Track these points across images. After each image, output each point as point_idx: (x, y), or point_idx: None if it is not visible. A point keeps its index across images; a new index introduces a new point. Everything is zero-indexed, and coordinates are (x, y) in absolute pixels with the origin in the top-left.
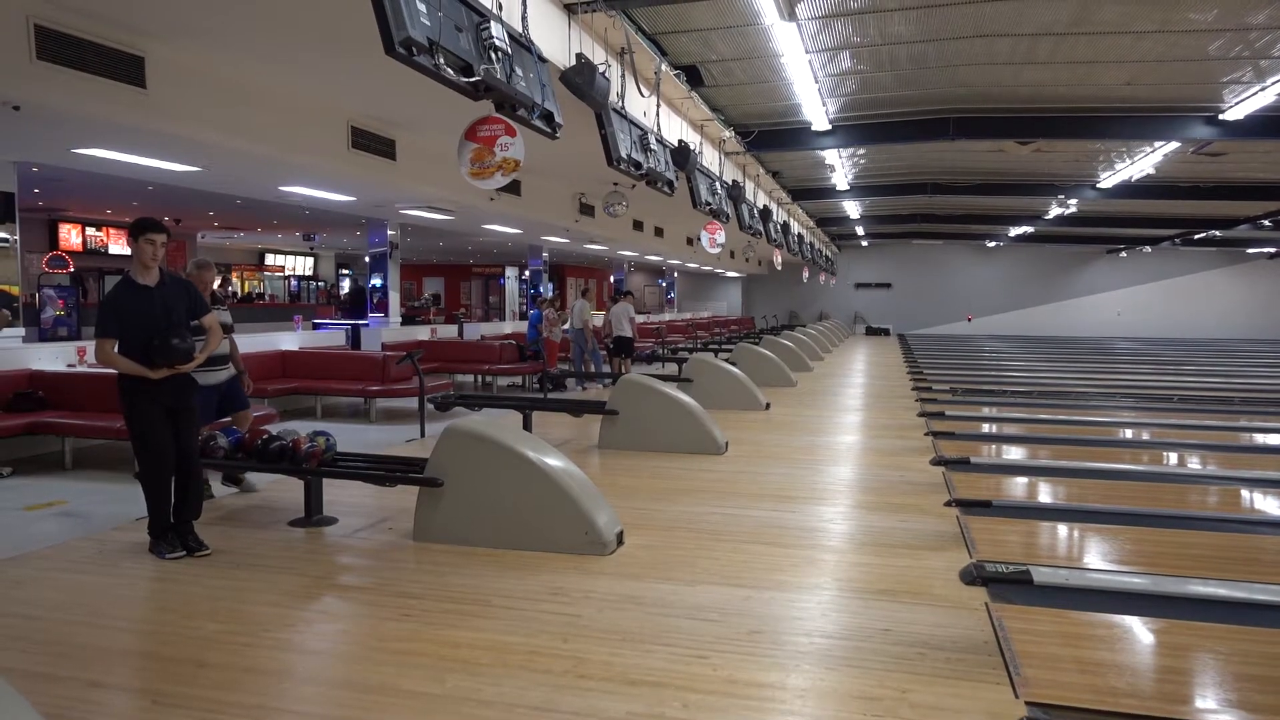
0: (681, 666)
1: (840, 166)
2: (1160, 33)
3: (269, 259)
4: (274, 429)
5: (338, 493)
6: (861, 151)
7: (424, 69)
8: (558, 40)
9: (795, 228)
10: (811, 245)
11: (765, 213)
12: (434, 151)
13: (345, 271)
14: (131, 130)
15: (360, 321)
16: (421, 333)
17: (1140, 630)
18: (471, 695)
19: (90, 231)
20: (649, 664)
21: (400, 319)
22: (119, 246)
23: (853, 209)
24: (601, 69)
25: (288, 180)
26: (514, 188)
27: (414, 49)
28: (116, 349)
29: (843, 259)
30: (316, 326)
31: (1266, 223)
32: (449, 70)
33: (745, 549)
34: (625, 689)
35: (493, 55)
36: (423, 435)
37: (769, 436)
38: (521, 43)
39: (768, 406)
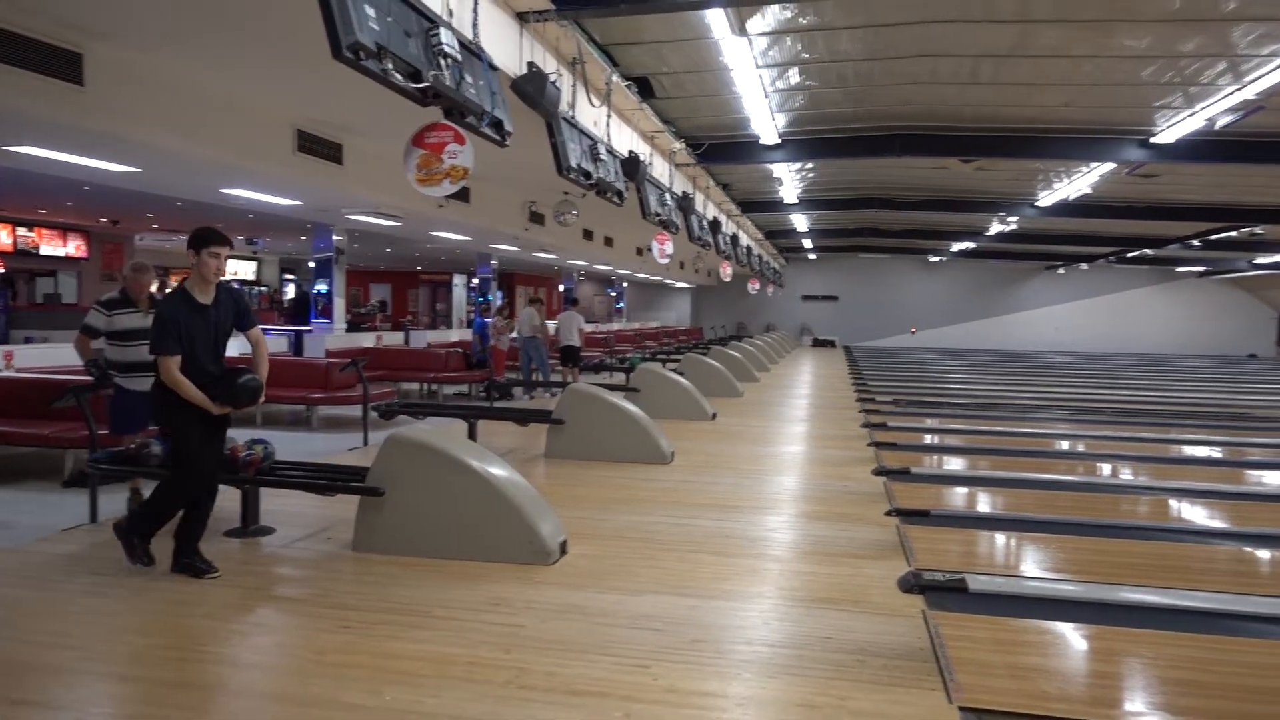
0: (624, 676)
1: (789, 180)
2: (1097, 58)
3: None
4: None
5: (276, 502)
6: (810, 166)
7: (372, 74)
8: (509, 48)
9: (744, 239)
10: (760, 257)
11: (714, 224)
12: (382, 157)
13: (289, 276)
14: (67, 128)
15: (304, 328)
16: (367, 340)
17: (1072, 636)
18: (411, 708)
19: (21, 231)
20: (592, 674)
21: (345, 325)
22: (51, 247)
23: (801, 222)
24: (552, 78)
25: (230, 183)
26: (463, 195)
27: (362, 53)
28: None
29: (790, 271)
30: None
31: (1195, 242)
32: (397, 76)
33: (690, 558)
34: (567, 699)
35: (442, 62)
36: (365, 444)
37: (715, 446)
38: (472, 50)
39: (714, 416)
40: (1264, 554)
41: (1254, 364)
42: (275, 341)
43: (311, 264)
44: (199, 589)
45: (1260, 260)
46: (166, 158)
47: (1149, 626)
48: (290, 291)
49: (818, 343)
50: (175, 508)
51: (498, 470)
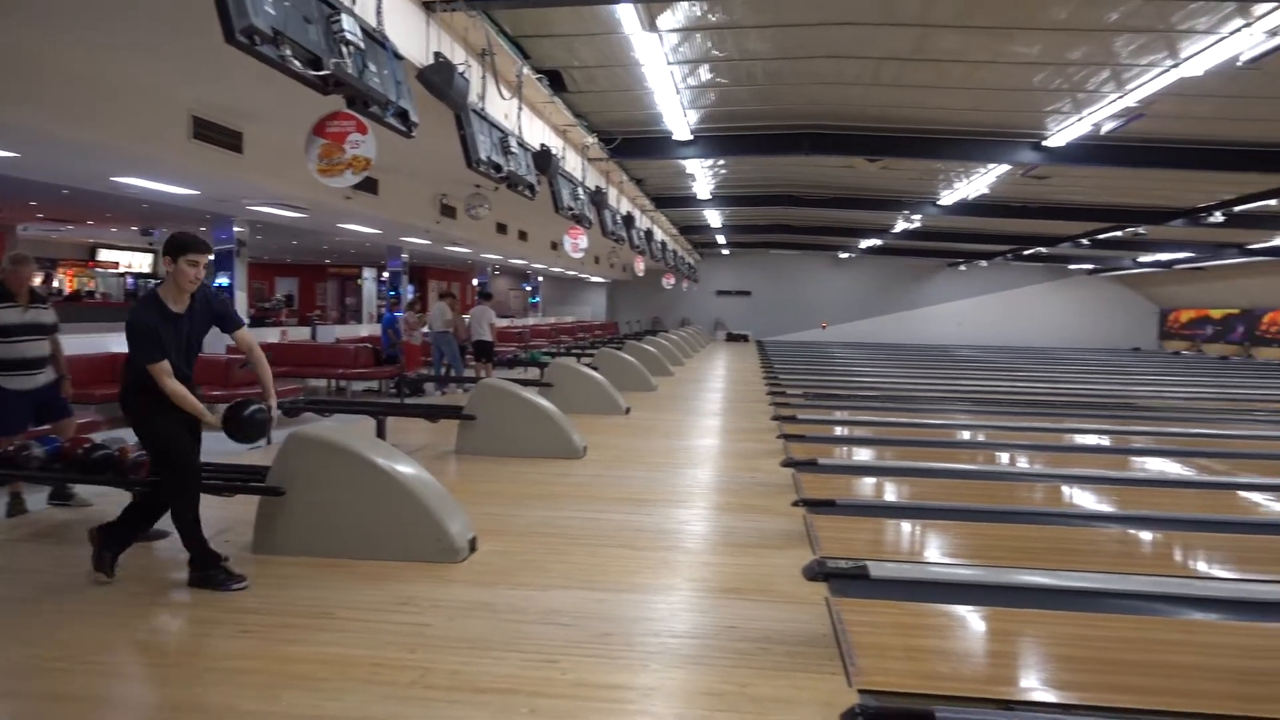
0: (531, 672)
1: (701, 176)
2: (992, 63)
3: (102, 254)
4: (99, 437)
5: None
6: (722, 162)
7: (268, 60)
8: (415, 38)
9: (658, 234)
10: (674, 252)
11: (628, 219)
12: (285, 146)
13: None
14: None
15: None
16: (271, 335)
17: (968, 618)
18: (309, 711)
19: None
20: (498, 671)
21: (248, 320)
22: None
23: (714, 218)
24: (461, 69)
25: (120, 170)
26: (371, 186)
27: (257, 38)
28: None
29: (705, 266)
30: None
31: (1084, 241)
32: (295, 62)
33: (600, 552)
34: (472, 697)
35: (344, 49)
36: (268, 442)
37: (628, 440)
38: (376, 38)
39: (628, 411)
40: (1145, 535)
41: (1138, 356)
42: None
43: (211, 257)
44: (87, 597)
45: (1143, 259)
46: (48, 143)
47: (1039, 607)
48: None
49: (731, 337)
50: (188, 514)
51: (405, 467)
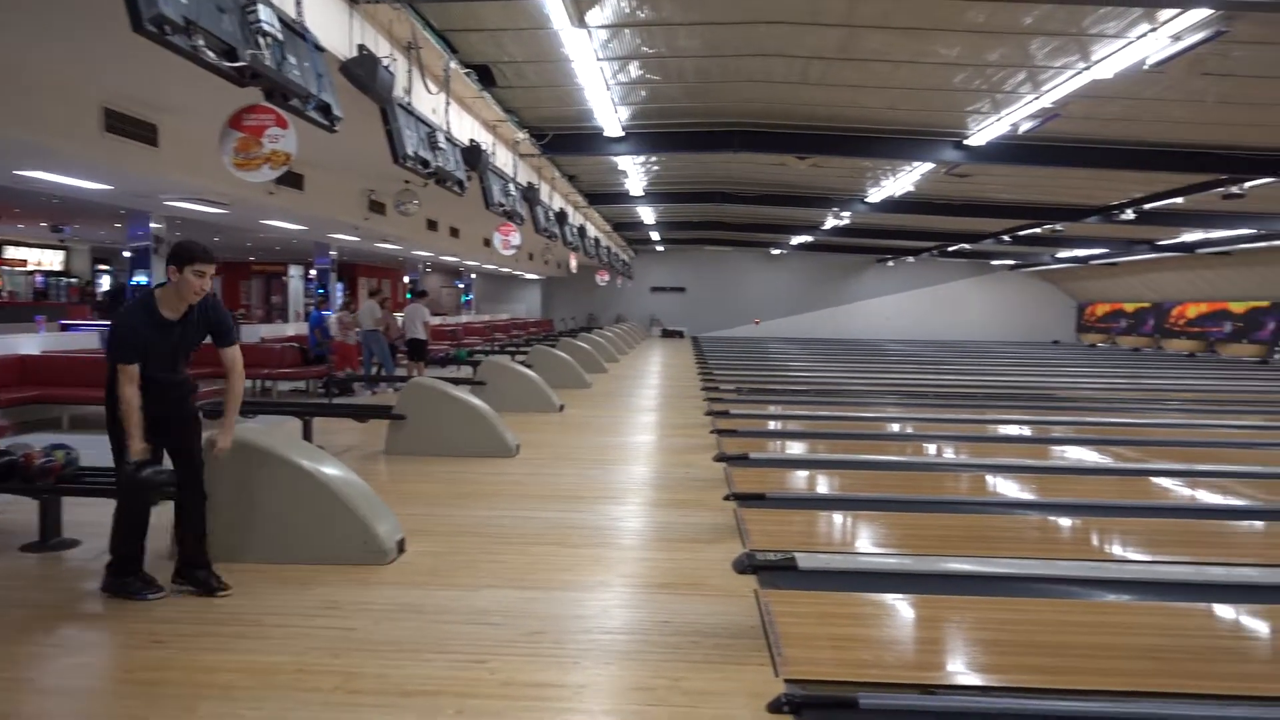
0: (459, 673)
1: (634, 173)
2: (914, 63)
3: (8, 251)
4: (3, 443)
5: (82, 512)
6: (654, 159)
7: (179, 50)
8: (338, 30)
9: (592, 231)
10: (608, 249)
11: (561, 216)
12: (204, 139)
13: (103, 268)
14: None
15: None
16: None
17: (892, 606)
18: None
19: None
20: (425, 673)
21: None
22: None
23: (647, 214)
24: (386, 62)
25: (25, 164)
26: (295, 181)
27: (167, 28)
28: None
29: (639, 263)
30: (65, 328)
31: (1006, 238)
32: (209, 53)
33: (532, 551)
34: (398, 700)
35: (261, 40)
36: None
37: (562, 438)
38: (295, 29)
39: (562, 408)
40: (1064, 521)
41: (1057, 349)
42: (86, 338)
43: (127, 254)
44: None
45: (1061, 255)
46: None
47: (962, 593)
48: (105, 284)
49: (666, 333)
50: (131, 522)
51: (330, 469)
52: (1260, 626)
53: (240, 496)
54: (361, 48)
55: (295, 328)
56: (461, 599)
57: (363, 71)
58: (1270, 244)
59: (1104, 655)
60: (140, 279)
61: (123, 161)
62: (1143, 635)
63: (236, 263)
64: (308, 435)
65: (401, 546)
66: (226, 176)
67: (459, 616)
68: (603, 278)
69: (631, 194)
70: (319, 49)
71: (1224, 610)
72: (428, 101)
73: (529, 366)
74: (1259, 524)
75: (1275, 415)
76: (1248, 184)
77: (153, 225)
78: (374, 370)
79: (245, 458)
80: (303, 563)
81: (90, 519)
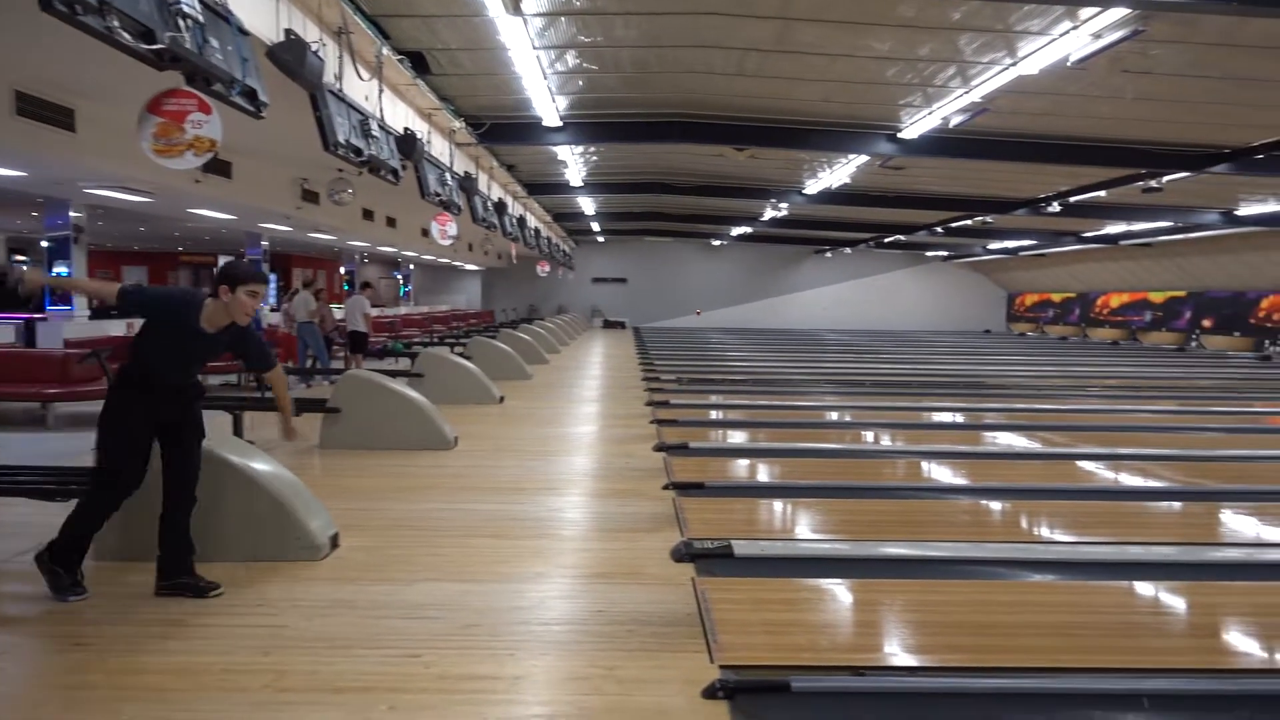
0: (392, 668)
1: (573, 163)
2: (848, 56)
3: None
4: None
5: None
6: (593, 149)
7: (92, 31)
8: (264, 13)
9: (532, 222)
10: (549, 240)
11: (500, 206)
12: (126, 125)
13: (20, 258)
14: None
15: (37, 315)
16: (115, 327)
17: (826, 591)
18: None
19: None
20: (358, 669)
21: (90, 312)
22: None
23: (588, 205)
24: (315, 47)
25: None
26: (223, 169)
27: (78, 7)
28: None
29: (580, 254)
30: None
31: (939, 230)
32: (125, 35)
33: (469, 543)
34: (329, 697)
35: (181, 23)
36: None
37: (501, 430)
38: (218, 11)
39: (502, 400)
40: (992, 505)
41: (989, 338)
42: (2, 331)
43: (46, 244)
44: None
45: (992, 246)
46: None
47: (893, 576)
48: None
49: (608, 324)
50: (91, 517)
51: (259, 464)
52: (1175, 602)
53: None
54: (289, 32)
55: None
56: (396, 593)
57: (290, 56)
58: (1187, 236)
59: (1020, 633)
60: (60, 270)
61: (37, 147)
62: (1060, 613)
63: (164, 253)
64: (238, 430)
65: (335, 542)
66: (150, 163)
67: (393, 611)
68: (544, 269)
69: (571, 184)
70: (243, 32)
71: (1141, 587)
72: (360, 88)
73: (468, 358)
74: (1176, 505)
75: (1191, 400)
76: (1165, 178)
77: (72, 214)
78: (309, 363)
79: None
80: (230, 561)
81: (6, 518)
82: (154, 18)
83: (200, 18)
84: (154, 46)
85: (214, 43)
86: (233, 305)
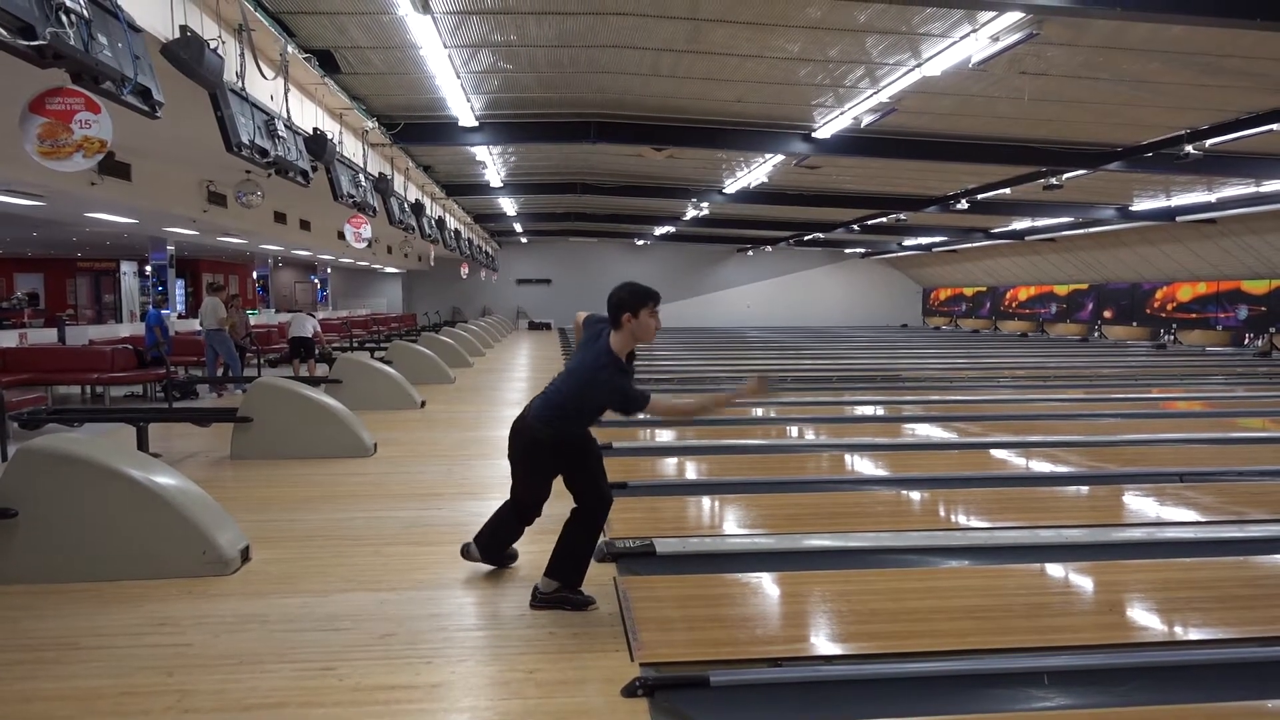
0: (305, 682)
1: (492, 163)
2: (760, 57)
3: None
4: None
5: None
6: (511, 149)
7: None
8: (158, 9)
9: (452, 223)
10: (470, 241)
11: (417, 207)
12: (10, 125)
13: None
14: None
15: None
16: (7, 338)
17: (747, 584)
18: None
19: None
20: (269, 685)
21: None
22: None
23: (509, 206)
24: (214, 45)
25: None
26: (122, 171)
27: None
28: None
29: (504, 255)
30: None
31: (856, 227)
32: (1, 31)
33: (386, 551)
34: (238, 716)
35: (64, 18)
36: (4, 459)
37: (422, 435)
38: (106, 7)
39: (423, 405)
40: (911, 495)
41: (906, 332)
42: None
43: None
44: None
45: (907, 243)
46: None
47: (811, 569)
48: None
49: (534, 326)
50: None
51: (162, 478)
52: (1083, 582)
53: (56, 512)
54: (185, 28)
55: (131, 328)
56: (309, 606)
57: (187, 54)
58: (1087, 231)
59: (931, 619)
60: None
61: None
62: (968, 597)
63: (61, 259)
64: (144, 443)
65: (246, 555)
66: (41, 166)
67: (306, 624)
68: (465, 270)
69: (491, 185)
70: (134, 29)
71: (1051, 569)
72: (265, 88)
73: (388, 363)
74: (1084, 489)
75: (1096, 389)
76: (1065, 175)
77: None
78: (220, 372)
79: (60, 470)
80: (132, 579)
81: None
82: (33, 13)
83: (86, 13)
84: (34, 43)
85: (102, 39)
86: (638, 328)
